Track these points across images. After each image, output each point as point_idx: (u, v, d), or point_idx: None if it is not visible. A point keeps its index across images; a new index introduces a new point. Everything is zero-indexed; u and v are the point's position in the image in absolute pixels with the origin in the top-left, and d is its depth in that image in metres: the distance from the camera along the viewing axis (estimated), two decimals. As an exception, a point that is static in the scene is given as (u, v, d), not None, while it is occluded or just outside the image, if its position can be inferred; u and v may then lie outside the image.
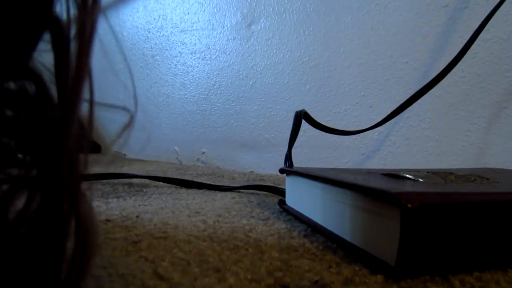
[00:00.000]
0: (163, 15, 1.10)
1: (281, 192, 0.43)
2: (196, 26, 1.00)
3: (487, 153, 0.53)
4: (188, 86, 1.02)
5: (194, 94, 1.00)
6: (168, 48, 1.08)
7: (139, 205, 0.36)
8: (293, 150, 0.40)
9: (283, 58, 0.80)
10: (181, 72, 1.04)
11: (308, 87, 0.75)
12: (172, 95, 1.06)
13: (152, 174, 0.64)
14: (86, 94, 0.13)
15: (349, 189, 0.24)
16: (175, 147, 1.04)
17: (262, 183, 0.58)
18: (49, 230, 0.12)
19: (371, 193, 0.21)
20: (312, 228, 0.28)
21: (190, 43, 1.02)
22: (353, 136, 0.66)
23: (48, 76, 0.13)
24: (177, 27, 1.06)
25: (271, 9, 0.83)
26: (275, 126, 0.81)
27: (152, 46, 1.13)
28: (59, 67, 0.13)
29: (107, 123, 1.28)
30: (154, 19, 1.13)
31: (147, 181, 0.54)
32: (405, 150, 0.61)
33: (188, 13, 1.03)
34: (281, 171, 0.38)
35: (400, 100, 0.54)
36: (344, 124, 0.69)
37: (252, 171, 0.83)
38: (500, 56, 0.52)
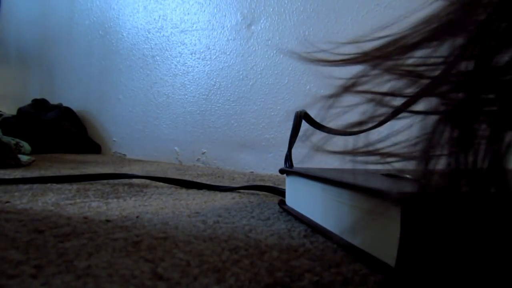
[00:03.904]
0: (163, 16, 1.10)
1: (281, 193, 0.43)
2: (196, 27, 1.00)
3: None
4: (188, 86, 1.02)
5: (194, 94, 1.00)
6: (168, 48, 1.08)
7: (139, 206, 0.36)
8: (293, 150, 0.40)
9: (283, 58, 0.80)
10: (181, 72, 1.04)
11: (308, 87, 0.75)
12: (172, 96, 1.06)
13: (152, 174, 0.64)
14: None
15: (349, 189, 0.24)
16: (175, 147, 1.04)
17: (262, 183, 0.58)
18: None
19: (371, 193, 0.21)
20: (312, 229, 0.28)
21: (190, 44, 1.02)
22: (353, 136, 0.66)
23: None
24: (177, 28, 1.06)
25: (271, 10, 0.83)
26: (275, 126, 0.81)
27: (152, 47, 1.13)
28: None
29: (107, 124, 1.28)
30: (154, 19, 1.13)
31: (147, 181, 0.54)
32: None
33: (188, 14, 1.03)
34: (281, 171, 0.38)
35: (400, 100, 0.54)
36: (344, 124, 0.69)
37: (252, 171, 0.83)
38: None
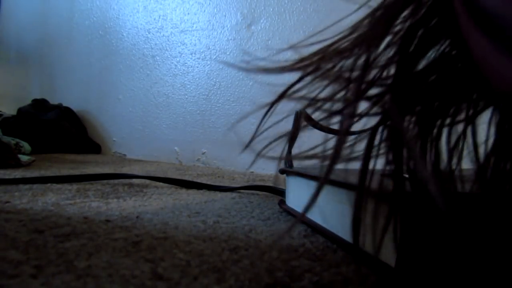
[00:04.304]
0: (163, 16, 1.10)
1: (281, 193, 0.43)
2: (196, 27, 1.00)
3: (487, 153, 0.53)
4: (188, 86, 1.02)
5: (194, 94, 1.00)
6: (168, 48, 1.08)
7: (139, 206, 0.36)
8: (293, 151, 0.40)
9: (283, 58, 0.80)
10: (181, 72, 1.04)
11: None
12: (172, 96, 1.06)
13: (152, 174, 0.64)
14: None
15: (349, 189, 0.24)
16: (175, 147, 1.04)
17: (262, 183, 0.58)
18: None
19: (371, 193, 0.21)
20: (312, 229, 0.28)
21: (190, 44, 1.02)
22: (353, 136, 0.66)
23: None
24: (177, 28, 1.06)
25: (271, 9, 0.83)
26: (275, 126, 0.81)
27: (152, 47, 1.13)
28: None
29: (107, 124, 1.28)
30: (154, 19, 1.13)
31: (147, 181, 0.54)
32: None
33: (188, 14, 1.03)
34: (281, 171, 0.38)
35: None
36: (344, 124, 0.69)
37: (252, 172, 0.83)
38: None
